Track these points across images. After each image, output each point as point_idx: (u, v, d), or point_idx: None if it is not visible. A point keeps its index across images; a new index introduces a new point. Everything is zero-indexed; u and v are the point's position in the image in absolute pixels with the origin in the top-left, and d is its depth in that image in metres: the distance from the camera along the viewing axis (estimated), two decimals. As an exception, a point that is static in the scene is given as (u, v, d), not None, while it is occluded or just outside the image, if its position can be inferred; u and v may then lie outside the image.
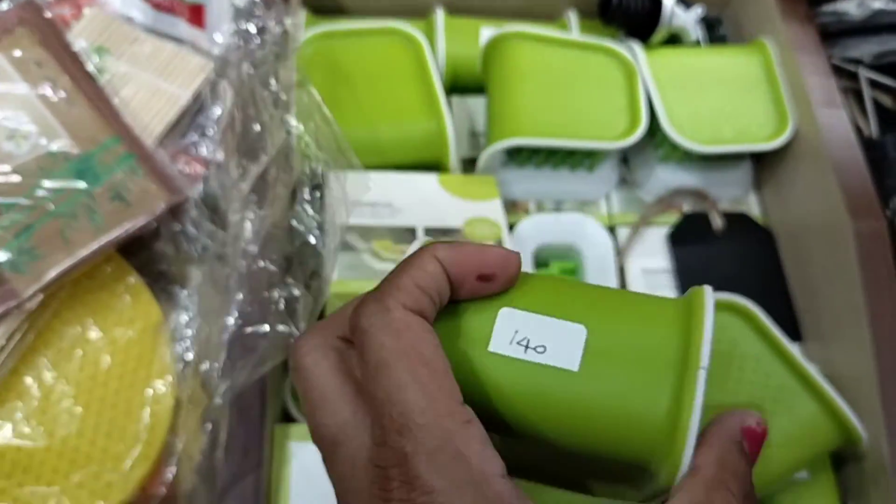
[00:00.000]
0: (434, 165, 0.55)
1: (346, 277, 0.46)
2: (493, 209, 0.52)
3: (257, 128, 0.50)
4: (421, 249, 0.26)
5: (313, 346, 0.26)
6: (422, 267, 0.25)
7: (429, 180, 0.53)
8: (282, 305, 0.46)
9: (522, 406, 0.25)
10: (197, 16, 0.55)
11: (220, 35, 0.53)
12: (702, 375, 0.24)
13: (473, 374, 0.25)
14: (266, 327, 0.45)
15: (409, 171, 0.53)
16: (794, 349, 0.47)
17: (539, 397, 0.25)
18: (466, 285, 0.26)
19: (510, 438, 0.26)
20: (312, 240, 0.49)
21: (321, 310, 0.47)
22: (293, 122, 0.50)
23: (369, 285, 0.25)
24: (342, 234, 0.47)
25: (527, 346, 0.25)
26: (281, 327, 0.44)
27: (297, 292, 0.46)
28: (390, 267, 0.32)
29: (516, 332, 0.25)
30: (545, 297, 0.26)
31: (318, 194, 0.50)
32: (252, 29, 0.52)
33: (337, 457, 0.25)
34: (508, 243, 0.50)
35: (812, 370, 0.46)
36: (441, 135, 0.53)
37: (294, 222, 0.50)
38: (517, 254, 0.27)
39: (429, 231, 0.49)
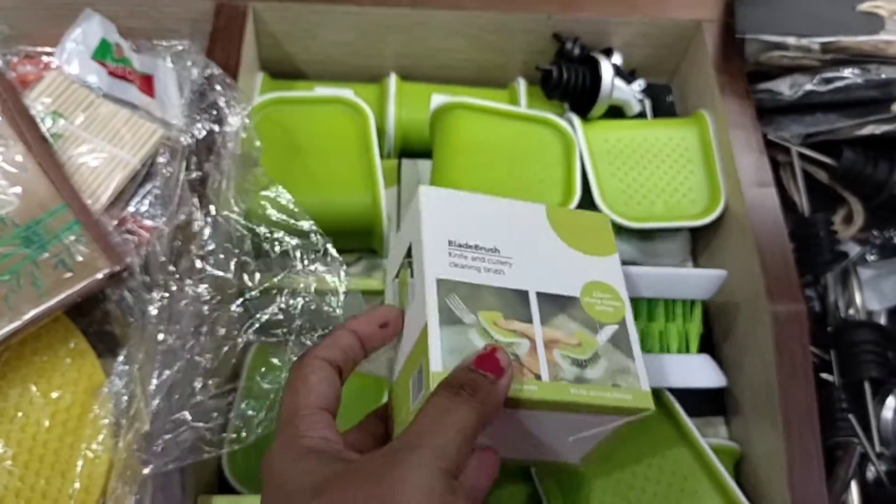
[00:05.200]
0: (366, 235, 0.56)
1: (451, 364, 0.35)
2: (611, 271, 0.42)
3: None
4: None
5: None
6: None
7: (536, 213, 0.44)
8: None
9: None
10: (147, 84, 0.57)
11: (170, 103, 0.56)
12: None
13: None
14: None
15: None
16: (702, 440, 0.49)
17: None
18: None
19: None
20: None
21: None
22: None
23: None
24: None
25: None
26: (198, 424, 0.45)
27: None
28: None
29: None
30: None
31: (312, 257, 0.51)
32: (203, 103, 0.54)
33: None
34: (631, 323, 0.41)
35: (718, 465, 0.48)
36: (375, 207, 0.55)
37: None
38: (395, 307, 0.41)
39: (542, 297, 0.40)
